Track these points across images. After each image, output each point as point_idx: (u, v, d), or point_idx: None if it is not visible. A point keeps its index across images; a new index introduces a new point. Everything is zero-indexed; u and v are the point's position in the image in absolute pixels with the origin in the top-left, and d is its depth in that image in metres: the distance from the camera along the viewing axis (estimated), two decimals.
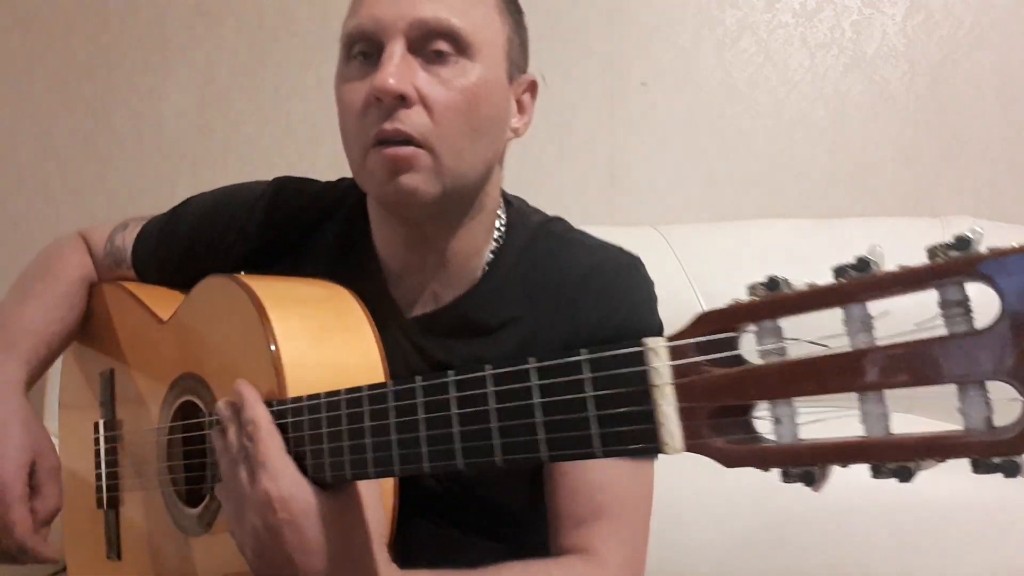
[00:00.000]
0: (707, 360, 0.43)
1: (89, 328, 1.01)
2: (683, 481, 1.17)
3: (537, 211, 0.89)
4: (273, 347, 0.70)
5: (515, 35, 0.79)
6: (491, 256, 0.82)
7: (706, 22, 1.52)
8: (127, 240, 0.98)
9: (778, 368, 0.41)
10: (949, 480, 1.20)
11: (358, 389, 0.62)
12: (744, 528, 1.16)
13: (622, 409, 0.46)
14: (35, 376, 0.93)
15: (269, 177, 0.96)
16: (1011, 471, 0.35)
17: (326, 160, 1.63)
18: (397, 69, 0.70)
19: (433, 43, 0.71)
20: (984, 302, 0.37)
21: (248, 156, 1.68)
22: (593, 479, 0.76)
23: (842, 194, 1.49)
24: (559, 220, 0.88)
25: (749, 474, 1.22)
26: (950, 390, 0.37)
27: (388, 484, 0.74)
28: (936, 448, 0.37)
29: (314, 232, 0.88)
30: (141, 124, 1.73)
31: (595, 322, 0.79)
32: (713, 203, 1.52)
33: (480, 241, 0.81)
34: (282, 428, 0.66)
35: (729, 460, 0.43)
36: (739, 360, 0.43)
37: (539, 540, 0.85)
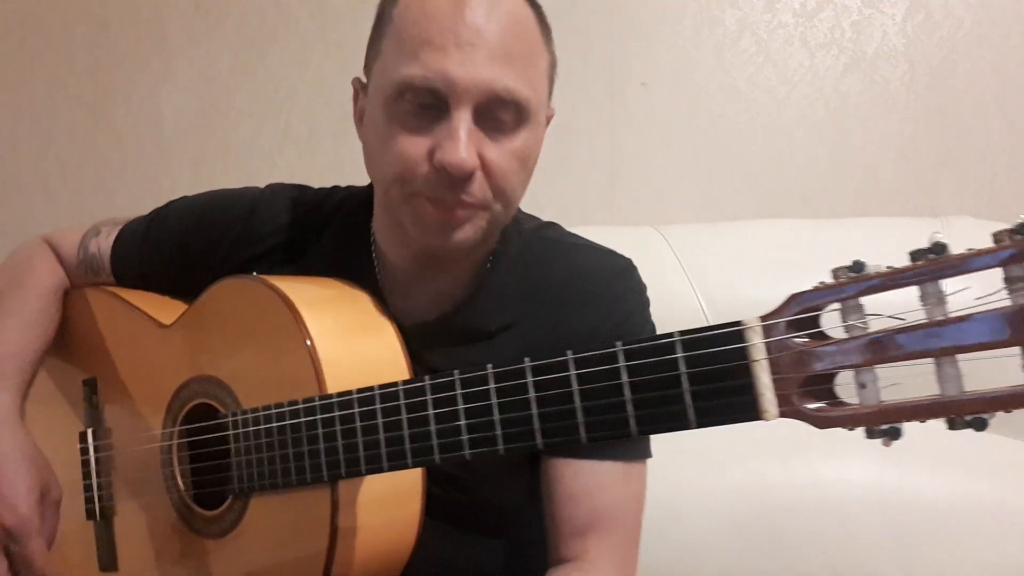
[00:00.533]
0: (796, 336, 0.50)
1: (65, 337, 0.98)
2: (682, 481, 1.18)
3: (530, 217, 0.90)
4: (310, 344, 0.71)
5: (552, 73, 0.79)
6: (488, 265, 0.83)
7: (706, 22, 1.52)
8: (103, 246, 0.96)
9: (862, 340, 0.47)
10: (949, 480, 1.20)
11: (420, 379, 0.65)
12: (743, 528, 1.16)
13: (721, 384, 0.52)
14: (24, 398, 0.92)
15: (268, 177, 0.96)
16: None
17: (326, 160, 1.63)
18: (469, 143, 0.69)
19: (497, 112, 0.71)
20: None
21: (248, 156, 1.68)
22: (588, 484, 0.77)
23: (842, 194, 1.49)
24: (552, 225, 0.89)
25: (748, 474, 1.22)
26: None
27: (416, 488, 0.75)
28: (1006, 401, 0.43)
29: (312, 242, 0.88)
30: (141, 124, 1.73)
31: (590, 327, 0.80)
32: (713, 203, 1.52)
33: (481, 256, 0.82)
34: (329, 422, 0.68)
35: (821, 423, 0.49)
36: (824, 335, 0.50)
37: (535, 535, 0.86)
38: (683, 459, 1.14)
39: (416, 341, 0.81)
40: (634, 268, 0.85)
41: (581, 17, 1.54)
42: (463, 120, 0.69)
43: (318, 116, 1.63)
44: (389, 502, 0.74)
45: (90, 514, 0.93)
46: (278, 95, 1.67)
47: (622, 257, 0.85)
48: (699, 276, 1.25)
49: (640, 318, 0.83)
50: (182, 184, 1.71)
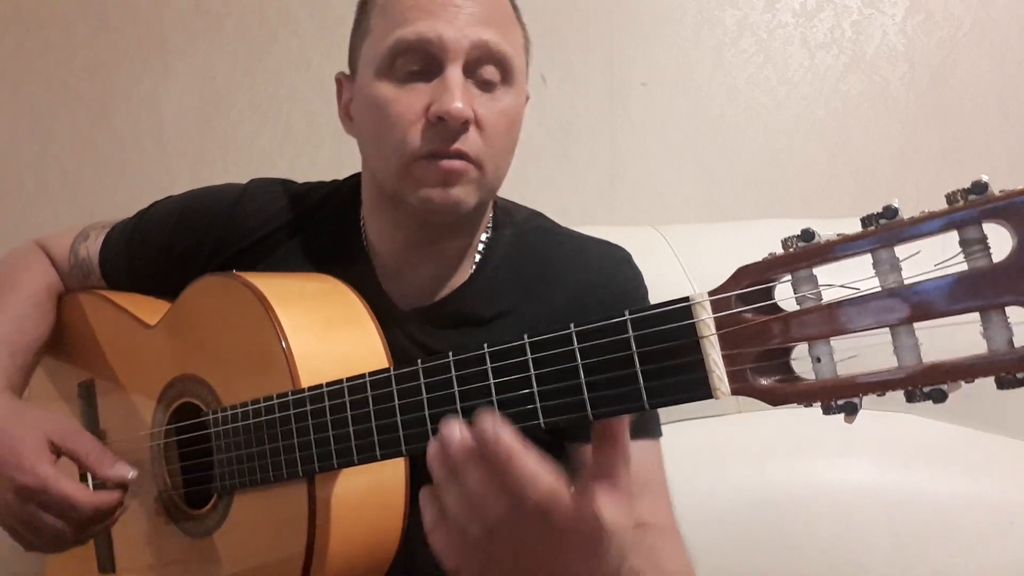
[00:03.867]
0: (747, 310, 0.47)
1: (61, 340, 0.98)
2: (681, 481, 1.17)
3: (520, 207, 0.92)
4: (283, 340, 0.71)
5: (528, 60, 0.83)
6: (481, 251, 0.85)
7: (706, 22, 1.52)
8: (91, 250, 0.97)
9: (814, 311, 0.45)
10: (949, 480, 1.20)
11: (385, 370, 0.64)
12: (743, 528, 1.16)
13: (671, 362, 0.49)
14: (15, 381, 0.90)
15: (268, 176, 0.96)
16: None
17: (326, 160, 1.63)
18: (464, 94, 0.72)
19: (484, 68, 0.75)
20: (998, 240, 0.41)
21: (248, 156, 1.68)
22: (636, 459, 0.78)
23: (842, 194, 1.49)
24: (543, 215, 0.91)
25: (748, 474, 1.22)
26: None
27: (399, 480, 0.75)
28: (966, 370, 0.41)
29: (299, 232, 0.89)
30: (141, 124, 1.73)
31: (603, 316, 0.81)
32: (713, 203, 1.52)
33: (474, 239, 0.84)
34: (301, 416, 0.68)
35: (775, 399, 0.47)
36: (776, 308, 0.47)
37: None
38: (683, 458, 1.14)
39: (413, 325, 0.82)
40: (631, 258, 0.87)
41: (581, 17, 1.54)
42: (456, 72, 0.73)
43: (318, 116, 1.63)
44: (371, 494, 0.74)
45: None
46: (278, 95, 1.67)
47: (619, 247, 0.88)
48: (699, 276, 1.25)
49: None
50: (182, 184, 1.69)
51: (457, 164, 0.73)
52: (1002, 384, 0.41)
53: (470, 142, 0.73)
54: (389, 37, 0.74)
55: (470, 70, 0.74)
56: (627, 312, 0.52)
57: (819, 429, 1.21)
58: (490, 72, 0.75)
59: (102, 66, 1.74)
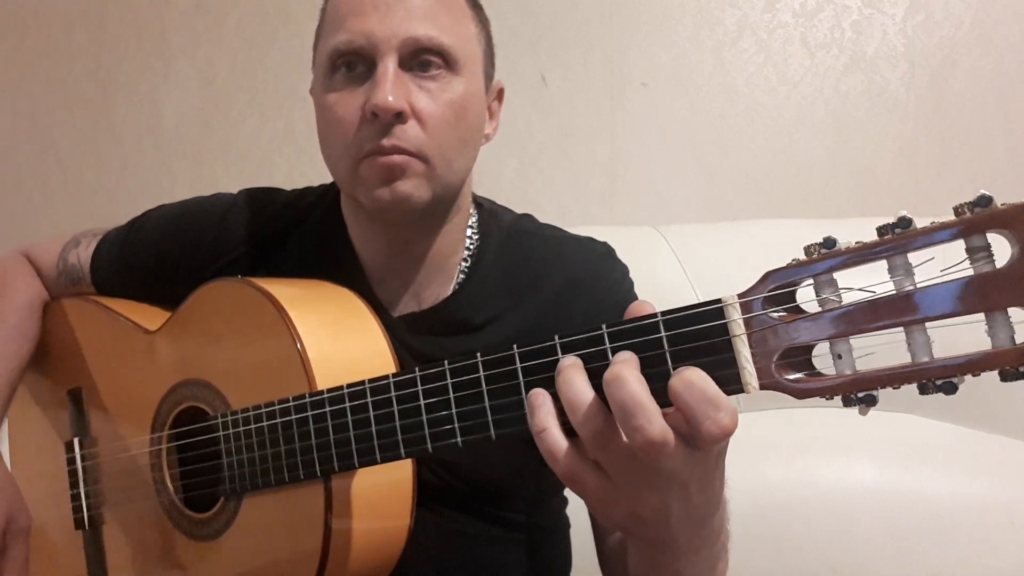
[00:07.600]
0: (774, 311, 0.51)
1: (47, 349, 0.97)
2: None
3: (507, 210, 0.92)
4: (299, 343, 0.72)
5: (488, 46, 0.82)
6: (468, 256, 0.85)
7: (706, 22, 1.52)
8: (82, 257, 0.96)
9: (835, 312, 0.49)
10: (949, 480, 1.20)
11: (410, 370, 0.64)
12: (743, 528, 1.16)
13: (703, 359, 0.52)
14: (2, 418, 0.90)
15: (268, 176, 0.96)
16: None
17: None
18: (394, 87, 0.71)
19: (422, 59, 0.74)
20: (1000, 248, 0.46)
21: (248, 156, 1.68)
22: None
23: (842, 194, 1.49)
24: (528, 217, 0.91)
25: (748, 474, 1.22)
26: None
27: (407, 483, 0.75)
28: (974, 365, 0.45)
29: (288, 240, 0.89)
30: (141, 124, 1.73)
31: (587, 311, 0.81)
32: (713, 203, 1.53)
33: (456, 242, 0.84)
34: (320, 417, 0.68)
35: (800, 393, 0.50)
36: (800, 309, 0.51)
37: (545, 523, 0.87)
38: None
39: (405, 332, 0.82)
40: (613, 251, 0.88)
41: (581, 17, 1.54)
42: (388, 67, 0.72)
43: None
44: (382, 493, 0.74)
45: (78, 523, 0.91)
46: (278, 95, 1.67)
47: (601, 243, 0.88)
48: (699, 276, 1.25)
49: (631, 297, 0.85)
50: (182, 184, 1.71)
51: (396, 159, 0.73)
52: (1005, 377, 0.45)
53: (409, 135, 0.73)
54: (328, 45, 0.75)
55: (407, 63, 0.73)
56: (659, 313, 0.54)
57: (819, 429, 1.21)
58: (431, 61, 0.74)
59: (102, 66, 1.74)
